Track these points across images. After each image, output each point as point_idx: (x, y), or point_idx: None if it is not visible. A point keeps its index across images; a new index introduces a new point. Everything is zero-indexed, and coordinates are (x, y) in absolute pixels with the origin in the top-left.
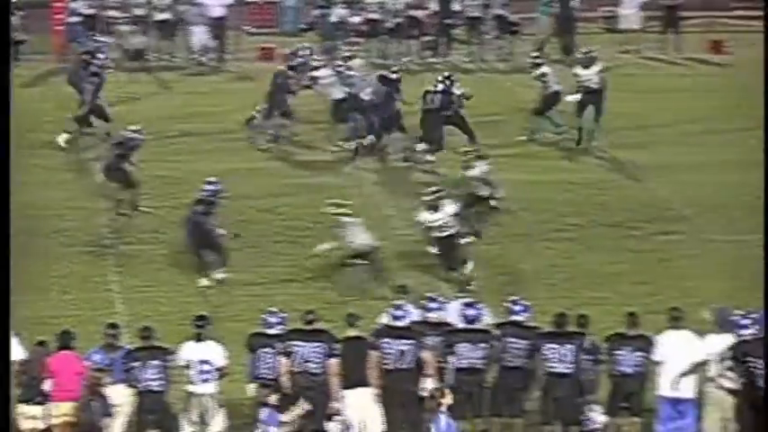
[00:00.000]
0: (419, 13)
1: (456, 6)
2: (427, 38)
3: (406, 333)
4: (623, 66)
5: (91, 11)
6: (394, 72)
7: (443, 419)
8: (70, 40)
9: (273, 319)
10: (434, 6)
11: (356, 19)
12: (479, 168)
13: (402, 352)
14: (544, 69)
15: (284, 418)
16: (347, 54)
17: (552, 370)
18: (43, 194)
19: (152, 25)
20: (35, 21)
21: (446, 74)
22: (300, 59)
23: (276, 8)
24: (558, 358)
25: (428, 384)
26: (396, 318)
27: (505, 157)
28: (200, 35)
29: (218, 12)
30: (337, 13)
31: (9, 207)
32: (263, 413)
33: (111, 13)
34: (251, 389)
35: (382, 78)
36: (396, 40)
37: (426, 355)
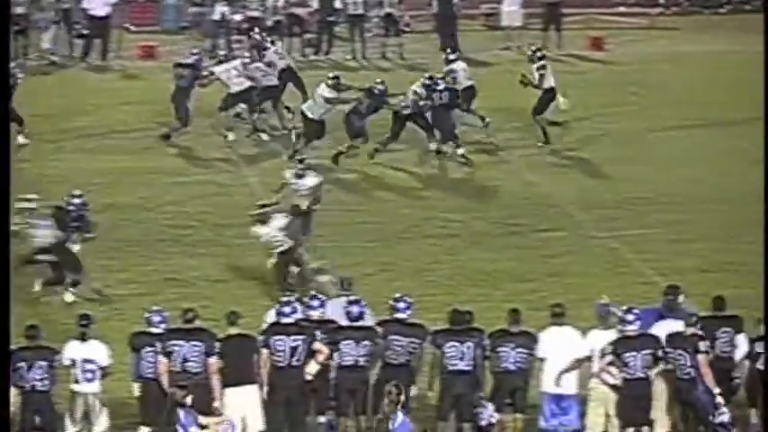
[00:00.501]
0: (300, 11)
1: (338, 4)
2: (309, 35)
3: (297, 329)
4: (505, 63)
5: None
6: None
7: (400, 416)
8: None
9: (156, 318)
10: (316, 4)
11: (237, 17)
12: (309, 179)
13: (294, 348)
14: (454, 66)
15: (204, 421)
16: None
17: (453, 367)
18: None
19: (34, 24)
20: None
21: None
22: (196, 57)
23: (157, 7)
24: (458, 356)
25: (312, 369)
26: (284, 315)
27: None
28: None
29: (102, 11)
30: (219, 10)
31: (9, 207)
32: (181, 414)
33: None
34: (136, 388)
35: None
36: (277, 37)
37: (318, 345)
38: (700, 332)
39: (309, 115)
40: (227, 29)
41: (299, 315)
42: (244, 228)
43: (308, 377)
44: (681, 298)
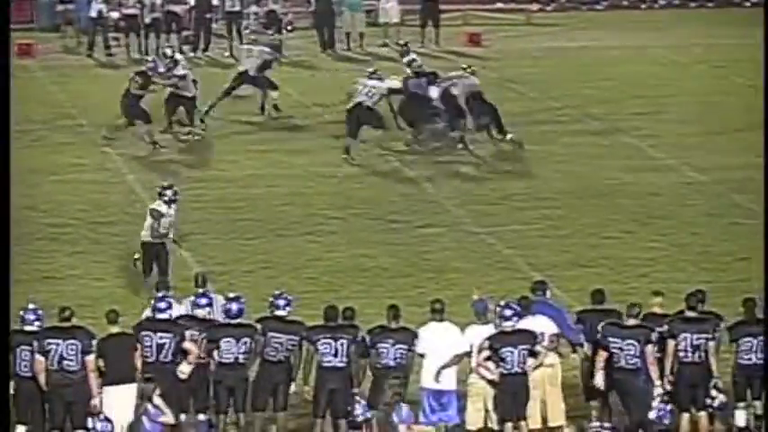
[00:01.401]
0: (178, 8)
1: (214, 1)
2: (186, 33)
3: (166, 326)
4: (382, 59)
5: None
6: None
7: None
8: None
9: (31, 316)
10: (192, 1)
11: (114, 14)
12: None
13: (161, 345)
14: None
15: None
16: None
17: (327, 364)
18: None
19: None
20: None
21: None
22: (151, 64)
23: (33, 4)
24: (332, 352)
25: (185, 369)
26: (159, 310)
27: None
28: None
29: None
30: (95, 8)
31: (9, 207)
32: (150, 409)
33: None
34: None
35: None
36: (155, 34)
37: (188, 344)
38: (647, 324)
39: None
40: (105, 26)
41: (183, 311)
42: (122, 225)
43: (182, 376)
44: (548, 293)
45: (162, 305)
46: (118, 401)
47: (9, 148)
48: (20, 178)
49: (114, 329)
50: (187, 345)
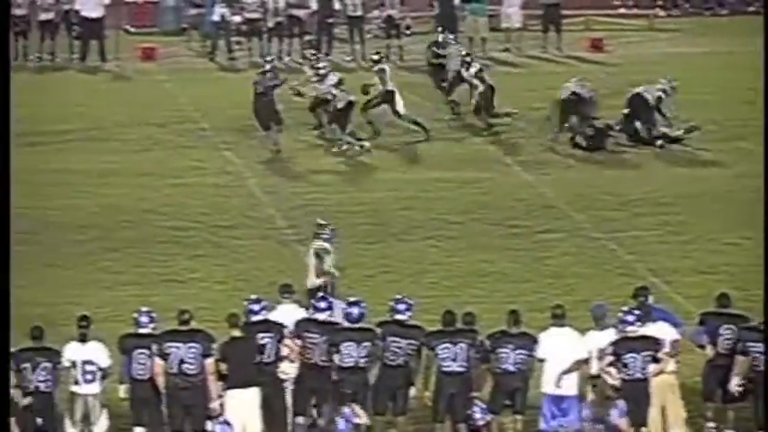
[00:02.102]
0: (300, 13)
1: (337, 5)
2: (309, 37)
3: (266, 327)
4: (503, 64)
5: None
6: None
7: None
8: None
9: (144, 319)
10: (315, 6)
11: (237, 18)
12: None
13: (262, 346)
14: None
15: None
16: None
17: (446, 368)
18: None
19: (35, 25)
20: None
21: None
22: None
23: (156, 8)
24: (451, 357)
25: (287, 368)
26: (253, 312)
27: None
28: None
29: (95, 12)
30: (218, 12)
31: (9, 208)
32: (217, 429)
33: None
34: (122, 389)
35: None
36: (277, 38)
37: (288, 342)
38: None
39: None
40: (227, 31)
41: (302, 315)
42: (243, 229)
43: (285, 376)
44: (650, 299)
45: (255, 307)
46: (240, 405)
47: (9, 148)
48: (138, 181)
49: (236, 333)
50: (287, 342)
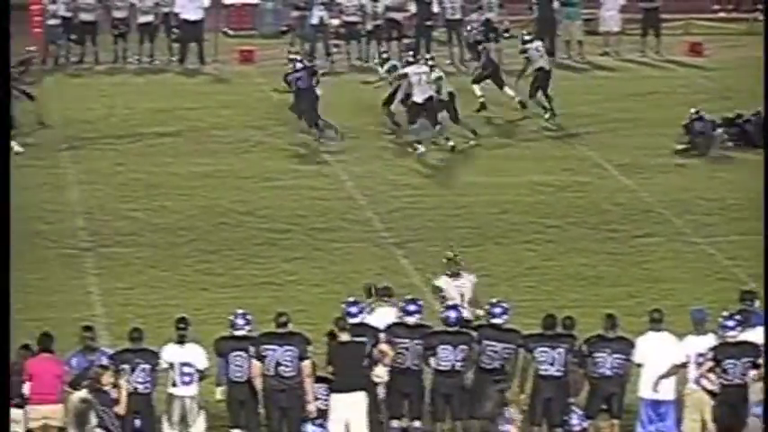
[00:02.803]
0: (398, 16)
1: (435, 8)
2: (407, 40)
3: (360, 331)
4: (601, 68)
5: (69, 13)
6: None
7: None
8: (49, 42)
9: (240, 321)
10: (413, 9)
11: (335, 21)
12: None
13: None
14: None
15: None
16: None
17: (544, 372)
18: (21, 197)
19: (134, 28)
20: (13, 23)
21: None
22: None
23: (255, 11)
24: (549, 360)
25: (381, 372)
26: (351, 315)
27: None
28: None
29: (195, 15)
30: (317, 15)
31: (9, 209)
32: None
33: (86, 16)
34: (219, 392)
35: None
36: (375, 42)
37: (384, 347)
38: None
39: None
40: (326, 33)
41: (393, 319)
42: (341, 232)
43: (378, 380)
44: (757, 303)
45: (353, 309)
46: (347, 408)
47: (9, 148)
48: (236, 183)
49: (344, 337)
50: (383, 347)
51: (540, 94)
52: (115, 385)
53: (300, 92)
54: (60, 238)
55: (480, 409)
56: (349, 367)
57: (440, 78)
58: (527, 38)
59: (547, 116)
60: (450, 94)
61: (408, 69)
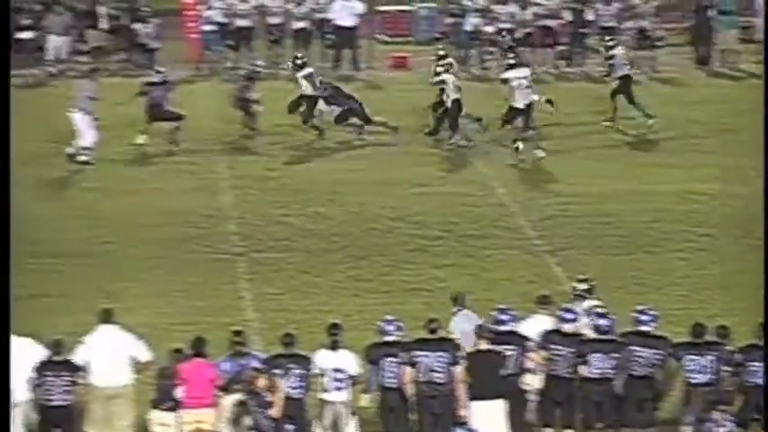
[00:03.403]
0: (552, 23)
1: (590, 16)
2: (561, 47)
3: (507, 339)
4: (758, 76)
5: (225, 19)
6: None
7: None
8: (205, 49)
9: (390, 327)
10: (568, 16)
11: (489, 29)
12: None
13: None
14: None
15: None
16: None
17: (693, 380)
18: (175, 201)
19: (288, 34)
20: (169, 29)
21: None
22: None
23: (410, 17)
24: (698, 369)
25: (531, 380)
26: (501, 323)
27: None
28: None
29: (349, 21)
30: (471, 22)
31: (9, 206)
32: None
33: (242, 22)
34: (366, 398)
35: None
36: (529, 49)
37: (532, 355)
38: None
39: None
40: (480, 40)
41: (548, 327)
42: (492, 239)
43: (528, 388)
44: None
45: (504, 317)
46: (485, 416)
47: (9, 147)
48: (387, 189)
49: (483, 345)
50: (532, 355)
51: (621, 100)
52: (270, 388)
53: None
54: (213, 243)
55: (631, 417)
56: (486, 375)
57: (443, 82)
58: (610, 44)
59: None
60: (457, 100)
61: (509, 74)
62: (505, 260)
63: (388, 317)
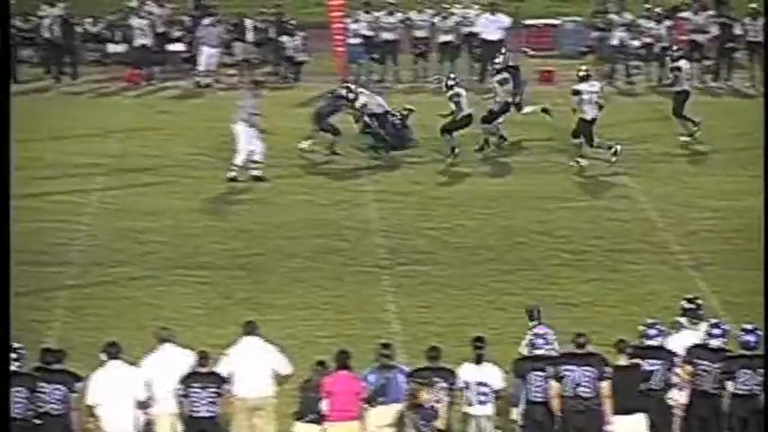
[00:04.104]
0: (700, 37)
1: (737, 30)
2: (708, 62)
3: (653, 353)
4: None
5: (370, 32)
6: None
7: None
8: (350, 62)
9: (539, 341)
10: (715, 31)
11: (636, 42)
12: None
13: (650, 372)
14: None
15: None
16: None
17: None
18: (321, 214)
19: (434, 47)
20: (316, 42)
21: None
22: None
23: (555, 31)
24: None
25: (678, 396)
26: (649, 337)
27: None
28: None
29: (495, 35)
30: (618, 36)
31: (9, 206)
32: None
33: (388, 36)
34: (516, 412)
35: None
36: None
37: (679, 370)
38: None
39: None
40: (626, 55)
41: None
42: (638, 254)
43: (673, 403)
44: None
45: (652, 332)
46: (624, 431)
47: (9, 146)
48: (534, 204)
49: (623, 360)
50: (679, 371)
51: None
52: (435, 400)
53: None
54: (358, 256)
55: None
56: (627, 390)
57: (458, 95)
58: (676, 54)
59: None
60: (469, 115)
61: (581, 86)
62: (651, 275)
63: (537, 331)
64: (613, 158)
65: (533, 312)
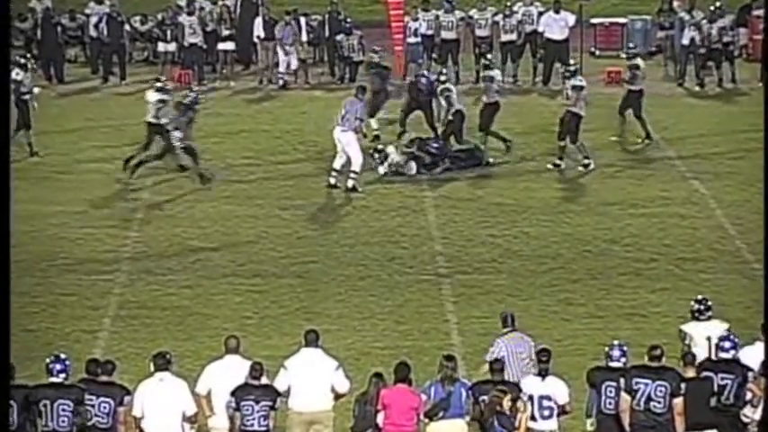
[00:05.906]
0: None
1: None
2: None
3: (728, 367)
4: None
5: (430, 31)
6: None
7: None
8: (409, 61)
9: (616, 353)
10: None
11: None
12: None
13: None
14: None
15: None
16: None
17: None
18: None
19: (496, 47)
20: (374, 40)
21: None
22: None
23: (623, 30)
24: None
25: (752, 413)
26: (723, 350)
27: None
28: None
29: (560, 35)
30: (688, 35)
31: (8, 205)
32: None
33: (448, 35)
34: (590, 423)
35: None
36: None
37: (752, 387)
38: None
39: None
40: (695, 55)
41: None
42: (708, 262)
43: (747, 420)
44: None
45: (726, 345)
46: None
47: (9, 145)
48: (601, 210)
49: (690, 373)
50: (751, 387)
51: None
52: (514, 410)
53: None
54: (418, 264)
55: None
56: (695, 403)
57: (449, 90)
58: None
59: None
60: (459, 111)
61: (581, 82)
62: (722, 284)
63: (615, 342)
64: (582, 168)
65: (507, 318)
